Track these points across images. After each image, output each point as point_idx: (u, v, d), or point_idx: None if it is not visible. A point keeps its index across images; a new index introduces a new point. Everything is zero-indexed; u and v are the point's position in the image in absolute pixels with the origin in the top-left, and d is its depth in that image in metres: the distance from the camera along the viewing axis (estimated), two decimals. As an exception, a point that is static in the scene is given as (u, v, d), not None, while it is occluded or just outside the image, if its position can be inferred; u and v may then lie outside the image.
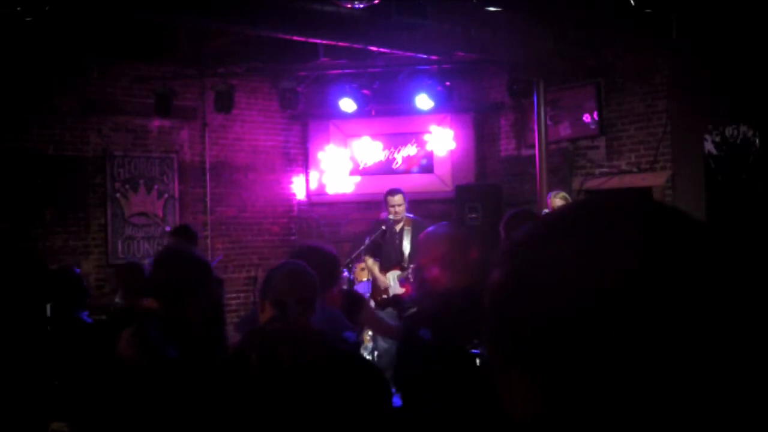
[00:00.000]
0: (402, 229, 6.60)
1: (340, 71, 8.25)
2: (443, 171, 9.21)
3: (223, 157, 9.13)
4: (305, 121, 9.56)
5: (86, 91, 8.09)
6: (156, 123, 8.55)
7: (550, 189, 7.46)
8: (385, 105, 8.96)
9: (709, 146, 6.73)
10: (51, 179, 7.83)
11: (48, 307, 3.30)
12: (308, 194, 9.61)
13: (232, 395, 2.19)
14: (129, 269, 5.84)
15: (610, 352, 0.60)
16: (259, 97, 9.32)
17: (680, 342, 0.60)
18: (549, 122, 7.77)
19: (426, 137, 9.24)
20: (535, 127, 7.67)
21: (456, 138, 9.12)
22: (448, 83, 7.94)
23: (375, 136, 9.38)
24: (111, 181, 8.28)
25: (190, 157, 8.87)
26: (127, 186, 8.40)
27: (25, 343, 2.56)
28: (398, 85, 8.34)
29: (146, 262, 5.79)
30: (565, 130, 8.06)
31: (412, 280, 6.54)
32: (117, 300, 7.16)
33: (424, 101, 8.03)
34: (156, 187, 8.60)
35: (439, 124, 9.15)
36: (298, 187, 9.65)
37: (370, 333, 7.08)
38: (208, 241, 8.91)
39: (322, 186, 9.53)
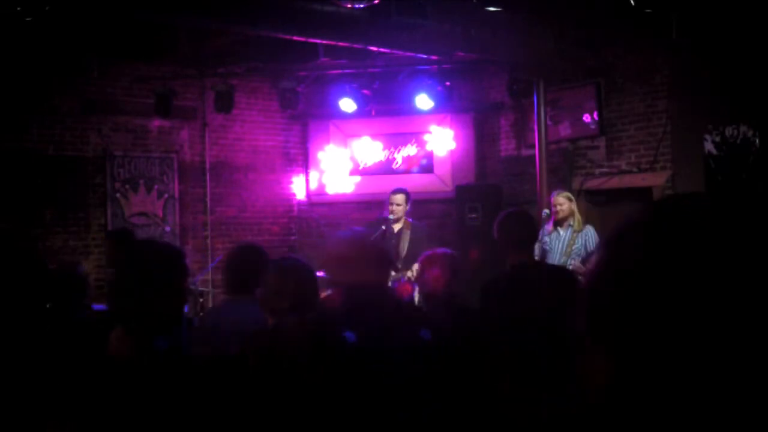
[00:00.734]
0: (400, 231, 6.59)
1: (340, 71, 8.25)
2: (443, 171, 9.22)
3: (223, 157, 9.13)
4: (305, 121, 9.57)
5: (86, 91, 8.09)
6: (156, 123, 8.55)
7: (551, 189, 7.45)
8: (385, 105, 8.97)
9: (709, 146, 6.73)
10: (51, 179, 7.83)
11: (47, 307, 3.31)
12: (308, 194, 9.61)
13: (231, 394, 2.19)
14: (113, 240, 5.87)
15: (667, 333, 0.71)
16: (259, 97, 9.32)
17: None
18: (549, 122, 7.77)
19: (426, 137, 9.24)
20: (535, 127, 7.67)
21: (456, 138, 9.12)
22: (448, 83, 7.94)
23: (375, 136, 9.38)
24: (111, 181, 8.28)
25: (190, 157, 8.87)
26: (127, 186, 8.40)
27: (19, 345, 2.55)
28: (398, 85, 8.34)
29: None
30: (565, 130, 8.06)
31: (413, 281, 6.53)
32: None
33: (424, 101, 8.03)
34: (156, 187, 8.60)
35: (439, 124, 9.16)
36: (298, 187, 9.65)
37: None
38: (208, 241, 8.91)
39: (322, 186, 9.53)
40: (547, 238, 6.45)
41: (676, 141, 7.10)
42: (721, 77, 6.52)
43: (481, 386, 3.40)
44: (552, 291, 3.37)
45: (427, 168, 9.28)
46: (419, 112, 8.62)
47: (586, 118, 7.84)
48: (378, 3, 5.32)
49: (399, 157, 9.34)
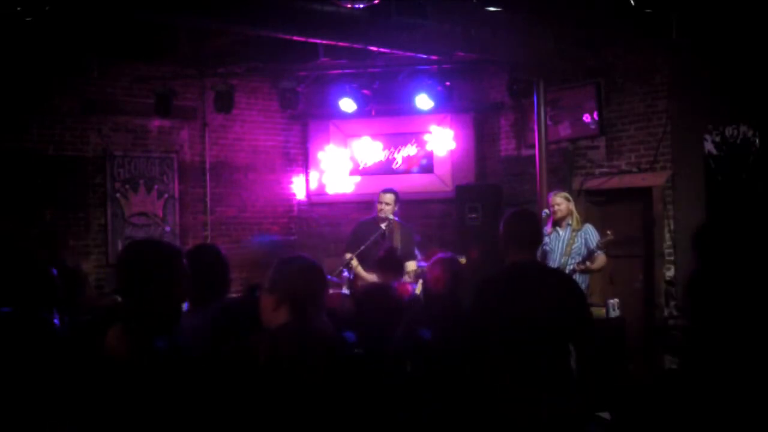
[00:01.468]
0: (391, 231, 6.58)
1: (340, 71, 8.25)
2: (443, 171, 9.22)
3: (223, 157, 9.13)
4: (305, 121, 9.57)
5: (86, 91, 8.09)
6: (156, 123, 8.55)
7: (551, 189, 7.45)
8: (385, 105, 8.97)
9: (709, 146, 6.73)
10: (51, 179, 7.83)
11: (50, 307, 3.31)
12: (308, 194, 9.61)
13: (237, 392, 2.19)
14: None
15: None
16: (259, 97, 9.32)
17: None
18: (549, 122, 7.77)
19: (426, 137, 9.24)
20: (535, 127, 7.66)
21: (456, 138, 9.12)
22: (448, 83, 7.94)
23: (375, 136, 9.38)
24: (111, 181, 8.28)
25: (190, 157, 8.87)
26: (127, 186, 8.40)
27: (18, 345, 2.55)
28: (398, 85, 8.34)
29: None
30: (565, 130, 8.06)
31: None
32: (118, 298, 7.17)
33: (424, 101, 8.03)
34: (156, 187, 8.60)
35: (439, 124, 9.16)
36: (298, 187, 9.65)
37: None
38: (208, 241, 8.90)
39: (322, 186, 9.53)
40: (547, 239, 6.46)
41: (676, 141, 7.10)
42: (721, 77, 6.52)
43: (480, 386, 3.41)
44: (549, 291, 3.36)
45: (427, 168, 9.28)
46: (419, 112, 8.62)
47: (586, 118, 7.84)
48: (378, 3, 5.31)
49: (399, 157, 9.34)
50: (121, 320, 2.18)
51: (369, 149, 9.40)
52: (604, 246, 6.35)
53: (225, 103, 8.13)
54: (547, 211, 6.77)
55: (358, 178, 9.42)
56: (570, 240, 6.40)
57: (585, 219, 6.68)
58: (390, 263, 5.11)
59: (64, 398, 2.11)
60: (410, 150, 9.32)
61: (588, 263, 6.29)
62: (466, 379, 3.56)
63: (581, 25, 6.97)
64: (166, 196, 8.67)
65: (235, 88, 8.26)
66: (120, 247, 8.29)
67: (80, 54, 7.63)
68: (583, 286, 6.06)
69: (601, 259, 6.36)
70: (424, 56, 6.94)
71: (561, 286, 3.46)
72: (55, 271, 3.22)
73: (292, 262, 2.56)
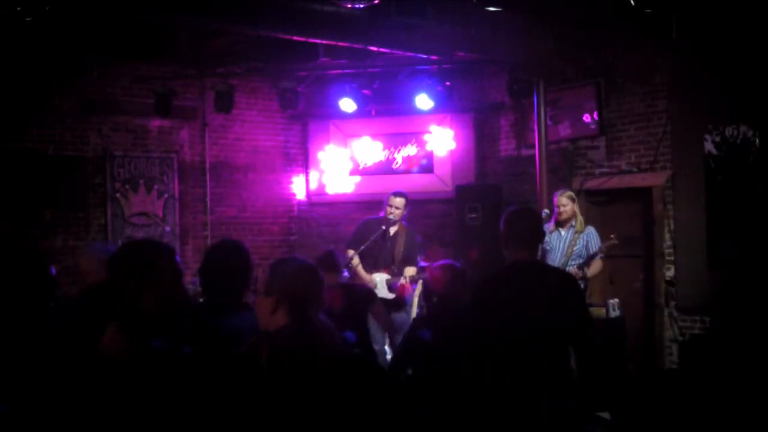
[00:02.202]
0: (396, 234, 6.58)
1: (340, 71, 8.25)
2: (443, 171, 9.22)
3: (223, 157, 9.13)
4: (305, 121, 9.57)
5: (86, 91, 8.09)
6: (156, 123, 8.55)
7: (551, 189, 7.45)
8: (385, 105, 8.97)
9: (709, 146, 6.73)
10: (51, 179, 7.83)
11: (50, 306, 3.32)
12: (308, 194, 9.61)
13: (239, 394, 2.18)
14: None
15: None
16: (259, 97, 9.32)
17: None
18: (549, 122, 7.77)
19: (426, 137, 9.24)
20: (535, 127, 7.66)
21: (456, 138, 9.12)
22: (448, 83, 7.94)
23: (375, 136, 9.38)
24: (111, 181, 8.28)
25: (190, 157, 8.88)
26: (127, 186, 8.40)
27: (17, 344, 2.55)
28: (398, 85, 8.34)
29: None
30: (565, 130, 8.06)
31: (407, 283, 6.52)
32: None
33: (424, 101, 8.03)
34: (156, 187, 8.60)
35: (439, 124, 9.15)
36: (298, 187, 9.65)
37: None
38: (208, 241, 8.90)
39: (322, 186, 9.53)
40: (547, 238, 6.45)
41: (676, 141, 7.10)
42: (721, 77, 6.52)
43: (480, 386, 3.40)
44: (549, 291, 3.36)
45: (427, 168, 9.28)
46: (419, 112, 8.62)
47: (586, 118, 7.84)
48: (378, 3, 5.31)
49: (399, 157, 9.34)
50: (116, 320, 2.18)
51: (369, 149, 9.40)
52: (607, 250, 6.34)
53: (225, 103, 8.13)
54: (547, 210, 6.76)
55: (358, 178, 9.41)
56: (572, 241, 6.39)
57: (585, 219, 6.68)
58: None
59: (63, 398, 2.11)
60: (410, 150, 9.32)
61: (585, 269, 6.28)
62: (466, 380, 3.55)
63: (581, 25, 6.97)
64: (166, 196, 8.67)
65: (235, 88, 8.26)
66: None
67: (80, 54, 7.63)
68: (582, 286, 6.06)
69: (597, 265, 6.35)
70: (424, 56, 6.94)
71: (561, 286, 3.45)
72: (53, 270, 3.22)
73: (287, 263, 2.54)
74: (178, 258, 2.34)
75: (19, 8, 4.81)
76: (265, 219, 9.42)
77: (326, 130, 9.48)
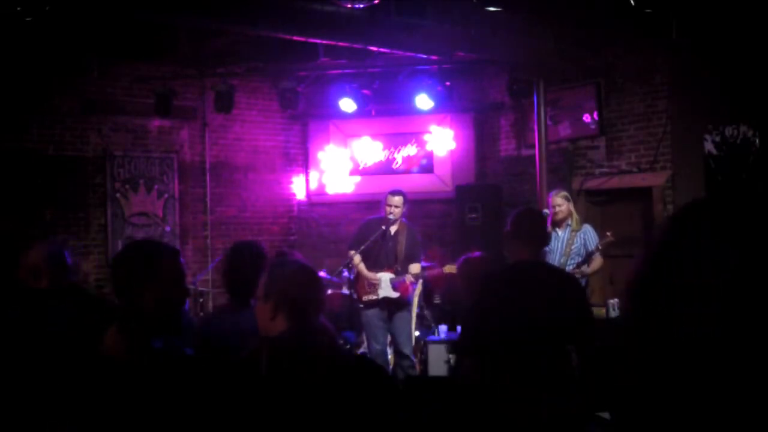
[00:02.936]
0: (397, 233, 6.58)
1: (340, 71, 8.24)
2: (443, 171, 9.21)
3: (223, 157, 9.13)
4: (305, 121, 9.56)
5: (86, 91, 8.09)
6: (156, 123, 8.55)
7: (551, 189, 7.44)
8: (385, 105, 8.96)
9: (709, 146, 6.73)
10: (51, 179, 7.83)
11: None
12: (308, 194, 9.61)
13: (239, 398, 2.18)
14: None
15: None
16: (259, 97, 9.32)
17: None
18: (549, 122, 7.77)
19: (426, 137, 9.24)
20: (535, 127, 7.66)
21: (456, 138, 9.12)
22: (448, 83, 7.94)
23: (375, 136, 9.38)
24: (111, 181, 8.28)
25: (190, 157, 8.87)
26: (127, 186, 8.40)
27: (16, 345, 2.55)
28: (398, 85, 8.34)
29: None
30: (565, 130, 8.06)
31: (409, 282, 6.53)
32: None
33: (424, 101, 8.03)
34: (156, 187, 8.60)
35: (439, 124, 9.15)
36: (298, 187, 9.65)
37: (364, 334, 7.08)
38: (208, 241, 8.91)
39: (322, 186, 9.53)
40: None
41: (676, 141, 7.10)
42: (721, 77, 6.52)
43: (480, 385, 3.40)
44: (551, 290, 3.36)
45: (427, 168, 9.27)
46: (419, 112, 8.62)
47: (586, 118, 7.84)
48: (378, 3, 5.32)
49: (399, 157, 9.34)
50: (117, 320, 2.18)
51: (369, 149, 9.40)
52: (604, 247, 6.34)
53: (225, 103, 8.13)
54: (546, 210, 6.76)
55: (358, 178, 9.41)
56: (569, 240, 6.39)
57: (585, 219, 6.68)
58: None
59: (63, 398, 2.11)
60: (410, 150, 9.31)
61: (585, 267, 6.28)
62: (465, 378, 3.56)
63: (581, 25, 6.97)
64: (166, 196, 8.66)
65: (235, 88, 8.26)
66: (120, 247, 8.28)
67: (80, 54, 7.63)
68: (583, 284, 6.06)
69: (597, 261, 6.35)
70: (424, 56, 6.94)
71: (562, 286, 3.46)
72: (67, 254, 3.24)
73: (285, 266, 2.52)
74: (182, 259, 2.34)
75: (19, 8, 4.81)
76: (265, 219, 9.42)
77: (326, 130, 9.48)
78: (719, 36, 6.39)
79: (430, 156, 9.25)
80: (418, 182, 9.15)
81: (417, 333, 6.96)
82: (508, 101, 8.68)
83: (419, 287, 7.02)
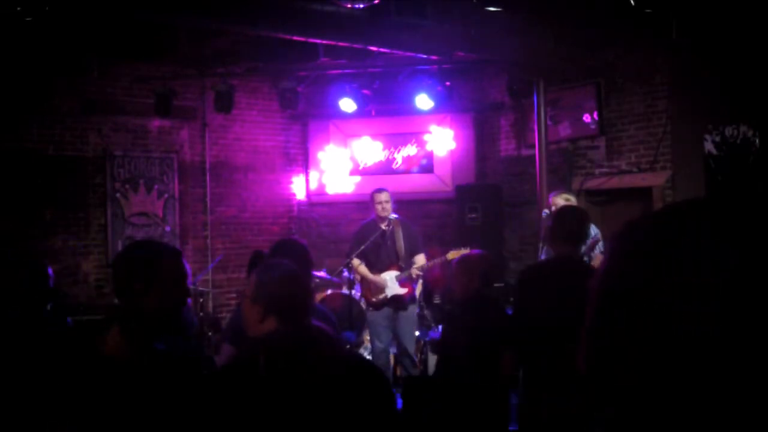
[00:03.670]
0: (393, 230, 6.58)
1: (340, 71, 8.25)
2: (443, 171, 9.22)
3: (223, 157, 9.13)
4: (305, 121, 9.56)
5: (86, 91, 8.09)
6: (156, 123, 8.55)
7: (551, 189, 7.45)
8: (385, 105, 8.97)
9: (709, 146, 6.73)
10: (51, 179, 7.83)
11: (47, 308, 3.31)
12: (308, 194, 9.61)
13: (238, 400, 2.18)
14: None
15: None
16: (259, 97, 9.32)
17: None
18: (549, 122, 7.77)
19: (426, 137, 9.24)
20: (535, 127, 7.66)
21: (456, 138, 9.12)
22: (448, 83, 7.95)
23: (375, 136, 9.38)
24: (111, 181, 8.28)
25: (190, 157, 8.87)
26: (127, 186, 8.40)
27: (17, 345, 2.55)
28: (398, 85, 8.34)
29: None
30: (565, 130, 8.06)
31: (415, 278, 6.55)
32: (117, 300, 7.16)
33: (424, 101, 8.03)
34: (156, 187, 8.60)
35: (439, 124, 9.16)
36: (298, 187, 9.65)
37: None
38: (208, 241, 8.91)
39: (322, 186, 9.53)
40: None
41: (676, 141, 7.10)
42: (721, 77, 6.52)
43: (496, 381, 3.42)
44: (576, 288, 3.42)
45: (427, 168, 9.27)
46: (419, 112, 8.62)
47: (586, 118, 7.84)
48: (378, 3, 5.32)
49: (399, 157, 9.34)
50: (118, 321, 2.18)
51: (369, 149, 9.40)
52: (591, 248, 6.35)
53: (225, 103, 8.13)
54: (547, 210, 6.76)
55: (358, 178, 9.41)
56: None
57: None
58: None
59: (63, 398, 2.11)
60: (410, 150, 9.31)
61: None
62: (504, 370, 3.69)
63: (581, 25, 6.97)
64: (166, 196, 8.66)
65: (235, 88, 8.26)
66: (120, 247, 8.28)
67: (80, 54, 7.63)
68: None
69: (599, 259, 6.35)
70: (424, 56, 6.94)
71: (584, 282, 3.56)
72: (50, 271, 3.22)
73: (273, 270, 2.54)
74: (184, 261, 2.34)
75: (19, 8, 4.81)
76: (265, 219, 9.42)
77: (326, 130, 9.48)
78: (719, 36, 6.39)
79: (430, 156, 9.26)
80: (418, 182, 9.16)
81: (417, 333, 6.96)
82: (508, 101, 8.69)
83: (419, 287, 7.03)
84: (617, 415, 0.75)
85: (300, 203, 9.65)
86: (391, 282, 6.48)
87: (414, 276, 6.49)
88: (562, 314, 3.35)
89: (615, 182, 7.63)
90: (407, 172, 9.29)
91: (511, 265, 8.51)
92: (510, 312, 4.08)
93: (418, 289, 7.00)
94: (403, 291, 6.46)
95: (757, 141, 6.39)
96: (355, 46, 6.55)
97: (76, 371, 2.13)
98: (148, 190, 8.54)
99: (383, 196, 6.53)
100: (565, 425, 3.27)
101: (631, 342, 0.71)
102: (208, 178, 8.98)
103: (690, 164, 6.92)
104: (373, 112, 9.00)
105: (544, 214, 6.65)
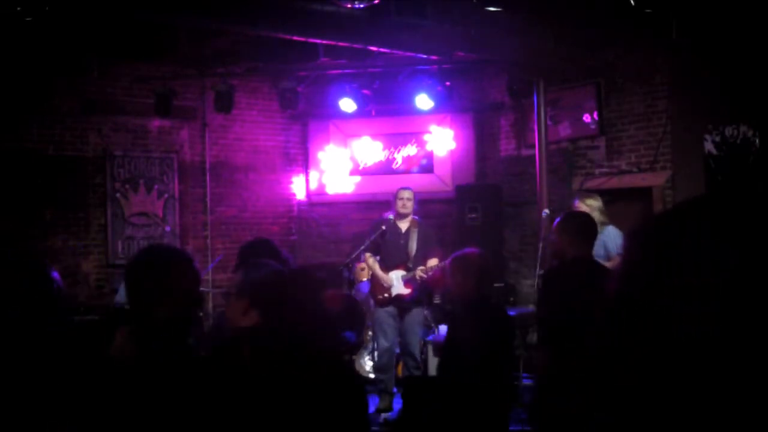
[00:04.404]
0: (408, 230, 6.61)
1: (340, 71, 8.25)
2: (443, 171, 9.21)
3: (223, 157, 9.13)
4: (305, 121, 9.56)
5: (86, 91, 8.09)
6: (156, 123, 8.55)
7: (551, 189, 7.48)
8: (385, 105, 8.96)
9: (709, 146, 6.73)
10: (51, 179, 7.83)
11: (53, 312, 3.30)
12: (308, 194, 9.61)
13: (228, 391, 2.19)
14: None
15: None
16: (259, 97, 9.32)
17: None
18: (549, 122, 7.77)
19: (426, 137, 9.24)
20: (535, 127, 7.66)
21: (456, 138, 9.12)
22: (448, 83, 7.94)
23: (375, 136, 9.38)
24: (111, 181, 8.28)
25: (190, 157, 8.87)
26: (127, 186, 8.40)
27: (20, 347, 2.55)
28: (398, 85, 8.34)
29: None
30: (565, 130, 8.06)
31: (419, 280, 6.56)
32: (117, 300, 7.17)
33: (424, 101, 8.03)
34: (156, 187, 8.60)
35: (439, 124, 9.15)
36: (298, 187, 9.65)
37: (370, 333, 7.09)
38: (208, 241, 8.91)
39: (322, 186, 9.53)
40: None
41: (676, 141, 7.10)
42: (721, 77, 6.52)
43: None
44: (596, 287, 3.48)
45: (427, 168, 9.27)
46: (419, 112, 8.62)
47: (586, 118, 7.84)
48: (378, 3, 5.32)
49: (399, 157, 9.34)
50: (128, 323, 2.19)
51: (369, 149, 9.40)
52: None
53: (225, 103, 8.13)
54: (547, 211, 6.76)
55: (358, 178, 9.41)
56: None
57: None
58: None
59: (63, 398, 2.11)
60: (410, 150, 9.31)
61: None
62: (541, 368, 3.80)
63: (581, 25, 6.97)
64: (166, 196, 8.66)
65: (235, 88, 8.26)
66: (120, 247, 8.30)
67: (80, 54, 7.63)
68: None
69: (617, 260, 6.32)
70: (424, 56, 6.94)
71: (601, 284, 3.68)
72: (56, 274, 3.21)
73: (260, 269, 2.62)
74: (196, 265, 2.37)
75: (19, 8, 4.81)
76: (265, 219, 9.42)
77: (326, 130, 9.48)
78: (719, 36, 6.39)
79: (430, 156, 9.25)
80: (418, 182, 9.14)
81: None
82: (508, 101, 8.68)
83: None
84: (617, 415, 0.75)
85: (300, 203, 9.65)
86: (396, 281, 6.50)
87: (417, 278, 6.50)
88: (567, 315, 3.38)
89: (615, 182, 7.63)
90: (407, 172, 9.29)
91: (511, 265, 8.52)
92: (534, 310, 4.35)
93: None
94: (406, 291, 6.47)
95: (757, 141, 6.39)
96: (355, 46, 6.55)
97: (81, 372, 2.13)
98: (148, 190, 8.54)
99: (406, 194, 6.62)
100: (565, 425, 3.28)
101: (631, 343, 0.71)
102: (208, 178, 8.98)
103: (690, 164, 6.92)
104: (373, 112, 9.00)
105: (543, 214, 6.65)
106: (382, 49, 6.70)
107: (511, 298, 8.05)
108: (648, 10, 5.39)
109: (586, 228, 4.03)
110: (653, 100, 7.29)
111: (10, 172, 7.60)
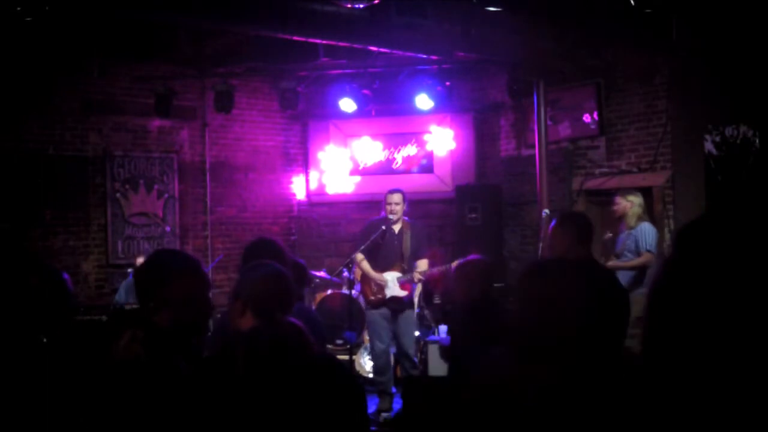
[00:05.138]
0: (401, 231, 6.59)
1: (340, 71, 8.25)
2: (443, 171, 9.22)
3: (223, 157, 9.13)
4: (305, 121, 9.57)
5: (86, 91, 8.09)
6: (156, 123, 8.55)
7: (551, 189, 7.47)
8: (385, 105, 8.97)
9: (709, 146, 6.73)
10: (51, 179, 7.83)
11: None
12: (308, 194, 9.62)
13: (215, 399, 2.19)
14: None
15: None
16: (259, 97, 9.32)
17: None
18: (549, 122, 7.77)
19: (426, 137, 9.24)
20: (535, 127, 7.66)
21: (456, 138, 9.12)
22: (448, 83, 7.94)
23: (375, 136, 9.38)
24: (111, 181, 8.28)
25: (190, 157, 8.88)
26: (127, 186, 8.40)
27: (23, 348, 2.55)
28: (398, 85, 8.34)
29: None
30: (565, 130, 8.06)
31: (416, 282, 6.55)
32: (116, 300, 7.17)
33: (424, 101, 8.03)
34: (156, 187, 8.60)
35: (439, 124, 9.16)
36: (298, 187, 9.65)
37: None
38: (208, 241, 8.91)
39: (322, 186, 9.53)
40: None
41: (676, 141, 7.10)
42: (721, 77, 6.52)
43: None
44: (602, 288, 3.49)
45: (427, 168, 9.28)
46: (419, 112, 8.62)
47: (586, 118, 7.84)
48: (378, 3, 5.32)
49: (399, 157, 9.34)
50: (135, 326, 2.20)
51: (369, 149, 9.40)
52: (604, 246, 6.37)
53: (225, 103, 8.13)
54: (547, 210, 6.77)
55: (358, 178, 9.42)
56: (624, 239, 6.45)
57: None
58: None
59: (70, 399, 2.11)
60: (410, 150, 9.32)
61: (614, 259, 6.36)
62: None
63: (581, 25, 6.97)
64: (166, 196, 8.67)
65: (235, 88, 8.26)
66: (120, 247, 8.30)
67: (80, 54, 7.63)
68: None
69: (642, 258, 6.31)
70: (424, 56, 6.94)
71: (609, 285, 3.74)
72: (66, 276, 3.20)
73: (256, 269, 2.63)
74: (205, 269, 2.39)
75: (19, 8, 4.81)
76: (265, 219, 9.42)
77: (326, 130, 9.48)
78: (719, 36, 6.39)
79: (430, 156, 9.26)
80: (418, 182, 9.16)
81: (417, 333, 6.96)
82: (508, 101, 8.68)
83: (419, 287, 7.03)
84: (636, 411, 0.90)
85: (300, 203, 9.65)
86: (392, 282, 6.48)
87: (416, 280, 6.49)
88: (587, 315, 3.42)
89: (615, 182, 7.63)
90: (407, 172, 9.29)
91: (511, 265, 8.52)
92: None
93: (418, 290, 7.00)
94: (402, 293, 6.46)
95: (757, 141, 6.39)
96: (355, 46, 6.55)
97: (88, 373, 2.14)
98: (148, 190, 8.55)
99: (395, 198, 6.50)
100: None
101: (662, 332, 0.86)
102: (208, 178, 8.98)
103: (690, 164, 6.92)
104: (373, 112, 9.00)
105: (543, 214, 6.65)
106: (382, 49, 6.70)
107: (511, 298, 8.04)
108: (648, 10, 5.39)
109: (586, 229, 4.00)
110: (653, 100, 7.29)
111: (10, 172, 7.60)
